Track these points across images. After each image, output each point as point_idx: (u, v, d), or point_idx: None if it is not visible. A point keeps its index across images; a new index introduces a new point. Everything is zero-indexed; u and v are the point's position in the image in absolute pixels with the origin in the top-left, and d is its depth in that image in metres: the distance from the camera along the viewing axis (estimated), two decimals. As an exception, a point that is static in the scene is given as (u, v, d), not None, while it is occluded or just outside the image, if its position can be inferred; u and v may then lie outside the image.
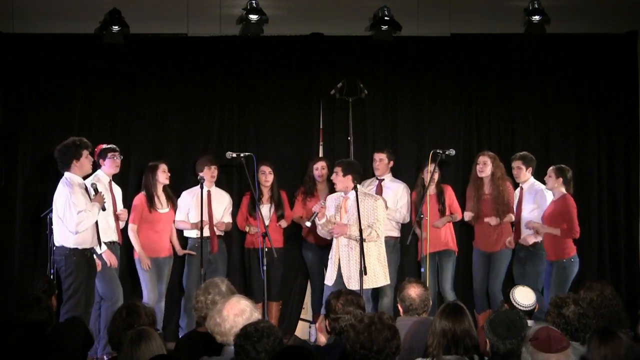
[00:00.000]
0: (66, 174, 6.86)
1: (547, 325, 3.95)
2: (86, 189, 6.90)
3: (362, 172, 7.59)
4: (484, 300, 8.05)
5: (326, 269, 8.25)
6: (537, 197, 7.80)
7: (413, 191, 8.15)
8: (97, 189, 6.95)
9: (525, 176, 7.91)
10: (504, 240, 7.96)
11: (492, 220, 7.90)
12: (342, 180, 7.14)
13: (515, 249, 7.97)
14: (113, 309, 7.04)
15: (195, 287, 7.62)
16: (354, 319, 4.42)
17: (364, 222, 6.94)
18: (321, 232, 7.29)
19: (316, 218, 7.11)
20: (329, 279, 7.21)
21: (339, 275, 7.09)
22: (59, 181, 6.95)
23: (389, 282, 7.28)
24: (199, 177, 7.75)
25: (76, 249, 6.77)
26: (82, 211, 6.70)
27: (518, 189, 7.99)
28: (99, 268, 7.08)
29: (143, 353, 3.87)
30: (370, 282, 7.05)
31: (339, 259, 7.10)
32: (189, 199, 8.03)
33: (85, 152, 6.88)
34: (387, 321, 4.06)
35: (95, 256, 6.99)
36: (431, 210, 7.90)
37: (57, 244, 6.86)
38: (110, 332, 4.44)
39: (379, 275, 7.12)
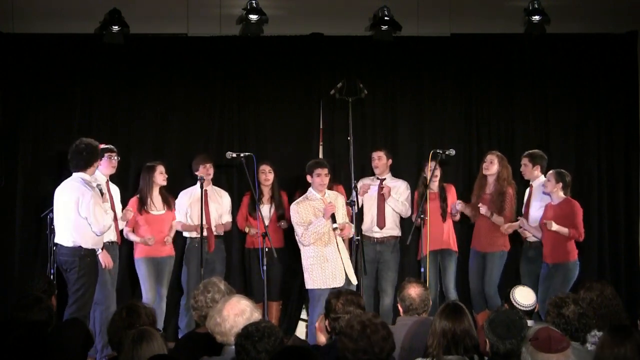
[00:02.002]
0: (79, 174, 6.79)
1: (548, 325, 3.94)
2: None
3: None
4: (481, 300, 8.05)
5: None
6: (544, 196, 7.78)
7: (415, 190, 8.15)
8: (102, 190, 6.97)
9: (533, 174, 7.89)
10: (498, 242, 7.94)
11: (483, 209, 7.87)
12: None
13: (524, 248, 7.96)
14: (107, 314, 7.04)
15: (194, 287, 7.63)
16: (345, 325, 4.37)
17: (344, 219, 7.10)
18: (313, 236, 7.02)
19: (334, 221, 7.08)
20: (340, 279, 7.06)
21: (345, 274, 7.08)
22: (60, 182, 6.93)
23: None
24: (198, 177, 7.76)
25: (93, 250, 6.78)
26: (105, 212, 6.75)
27: (528, 187, 7.98)
28: (110, 266, 7.14)
29: (144, 353, 3.87)
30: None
31: (341, 259, 7.06)
32: (185, 199, 8.03)
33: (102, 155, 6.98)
34: (377, 320, 4.06)
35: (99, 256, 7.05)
36: (433, 209, 7.90)
37: (73, 244, 6.72)
38: (110, 332, 4.44)
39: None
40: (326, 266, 7.05)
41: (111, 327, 4.45)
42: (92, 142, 6.89)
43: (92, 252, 6.79)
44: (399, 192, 8.10)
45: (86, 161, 6.81)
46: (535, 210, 7.79)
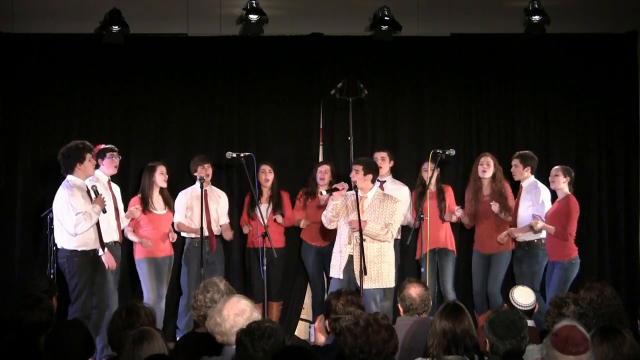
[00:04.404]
0: (68, 177, 6.88)
1: (575, 324, 3.87)
2: (88, 191, 6.90)
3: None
4: (483, 301, 8.05)
5: (327, 272, 8.25)
6: (533, 195, 7.82)
7: (413, 190, 8.15)
8: (97, 191, 6.95)
9: (523, 175, 7.92)
10: (503, 243, 7.96)
11: (495, 207, 7.87)
12: (362, 178, 7.10)
13: (514, 249, 7.98)
14: (109, 314, 7.04)
15: (194, 288, 7.64)
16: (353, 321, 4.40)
17: (381, 221, 6.97)
18: (326, 214, 7.18)
19: (332, 196, 7.09)
20: (338, 271, 7.09)
21: (349, 270, 7.04)
22: (59, 182, 6.96)
23: (394, 285, 7.18)
24: (198, 177, 7.75)
25: (76, 250, 6.79)
26: (80, 213, 6.72)
27: (519, 188, 8.00)
28: (109, 266, 7.12)
29: (145, 353, 3.86)
30: (379, 282, 7.02)
31: (350, 255, 7.04)
32: (184, 199, 8.02)
33: (88, 156, 6.92)
34: (382, 322, 4.05)
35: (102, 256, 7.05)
36: (431, 209, 7.90)
37: (58, 245, 6.89)
38: (109, 333, 4.44)
39: (389, 276, 7.10)
40: (334, 257, 7.22)
41: (111, 327, 4.45)
42: (73, 144, 6.92)
43: (79, 253, 6.81)
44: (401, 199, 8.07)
45: (66, 165, 6.89)
46: (524, 210, 7.82)
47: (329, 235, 8.09)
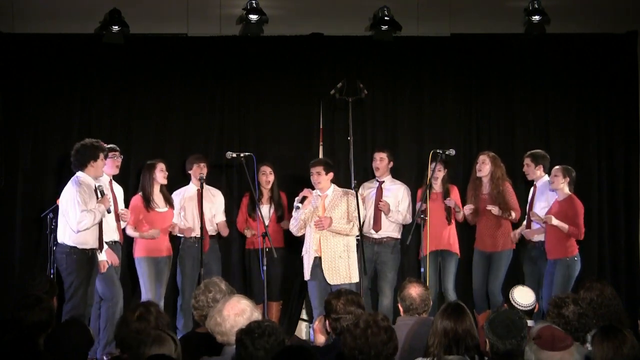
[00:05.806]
0: (78, 174, 6.88)
1: (548, 323, 3.94)
2: (95, 190, 6.91)
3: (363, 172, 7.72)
4: (483, 300, 8.04)
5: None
6: (548, 195, 7.80)
7: (419, 188, 8.13)
8: (102, 191, 6.96)
9: (536, 174, 7.90)
10: (504, 241, 7.95)
11: (494, 209, 7.86)
12: (325, 178, 7.31)
13: (527, 248, 7.95)
14: (114, 310, 7.11)
15: (190, 287, 7.64)
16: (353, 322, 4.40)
17: (346, 216, 7.16)
18: (294, 224, 7.30)
19: (300, 204, 7.17)
20: (309, 273, 7.23)
21: (320, 270, 7.15)
22: (60, 182, 6.98)
23: (357, 281, 7.25)
24: (198, 177, 7.75)
25: (75, 247, 6.79)
26: (85, 210, 6.72)
27: (532, 187, 7.98)
28: (103, 269, 7.10)
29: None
30: (349, 278, 7.09)
31: (321, 254, 7.14)
32: (178, 200, 8.00)
33: (101, 155, 6.95)
34: (382, 323, 4.05)
35: (99, 257, 7.03)
36: (436, 209, 7.88)
37: (59, 240, 6.88)
38: (117, 331, 4.44)
39: (356, 271, 7.21)
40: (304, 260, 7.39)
41: (120, 326, 4.43)
42: (88, 142, 6.93)
43: (78, 250, 6.79)
44: (399, 198, 8.06)
45: (80, 161, 6.89)
46: (539, 210, 7.78)
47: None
